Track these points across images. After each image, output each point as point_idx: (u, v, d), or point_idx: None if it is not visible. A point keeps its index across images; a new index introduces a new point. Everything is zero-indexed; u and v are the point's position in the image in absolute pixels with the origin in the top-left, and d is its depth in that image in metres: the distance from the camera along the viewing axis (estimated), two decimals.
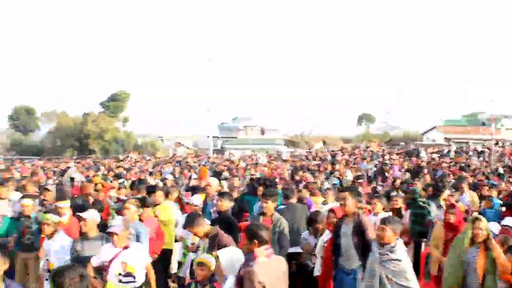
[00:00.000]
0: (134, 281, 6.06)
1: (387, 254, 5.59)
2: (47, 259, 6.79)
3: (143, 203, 8.15)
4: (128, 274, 6.04)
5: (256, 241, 4.92)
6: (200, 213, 7.73)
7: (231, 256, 5.02)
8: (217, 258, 5.02)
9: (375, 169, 21.83)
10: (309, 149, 45.55)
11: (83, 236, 6.82)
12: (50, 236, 6.86)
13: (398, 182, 14.09)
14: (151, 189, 10.01)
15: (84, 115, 63.55)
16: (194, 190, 12.55)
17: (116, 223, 6.18)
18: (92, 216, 6.77)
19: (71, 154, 52.75)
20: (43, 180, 14.41)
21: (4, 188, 9.74)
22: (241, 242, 5.47)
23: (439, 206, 9.58)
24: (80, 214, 6.86)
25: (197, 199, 8.78)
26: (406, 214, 9.53)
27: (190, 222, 6.22)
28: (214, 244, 5.89)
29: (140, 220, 7.78)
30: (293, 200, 9.05)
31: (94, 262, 6.23)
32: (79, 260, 6.45)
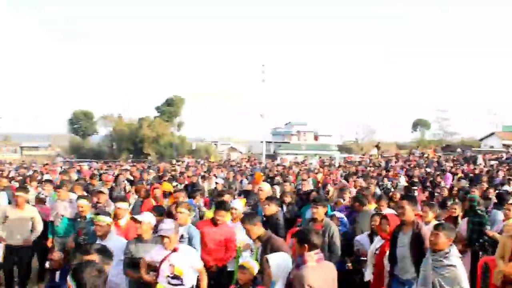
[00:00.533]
0: (182, 284, 6.05)
1: (441, 260, 5.46)
2: None
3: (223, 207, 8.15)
4: (175, 277, 6.06)
5: (306, 245, 4.90)
6: None
7: (280, 261, 4.99)
8: (266, 262, 4.97)
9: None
10: (363, 155, 44.91)
11: (138, 238, 6.92)
12: (103, 237, 6.96)
13: (455, 189, 13.68)
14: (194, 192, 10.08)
15: (139, 119, 64.82)
16: (246, 194, 12.55)
17: (167, 226, 6.20)
18: (148, 219, 6.84)
19: (127, 157, 53.81)
20: (97, 183, 14.68)
21: (63, 190, 10.00)
22: (292, 247, 5.40)
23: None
24: (136, 216, 6.95)
25: (238, 203, 8.52)
26: (463, 222, 9.21)
27: (247, 218, 6.27)
28: (267, 249, 5.85)
29: (215, 224, 7.80)
30: (367, 207, 8.99)
31: (148, 257, 6.31)
32: (133, 262, 6.56)
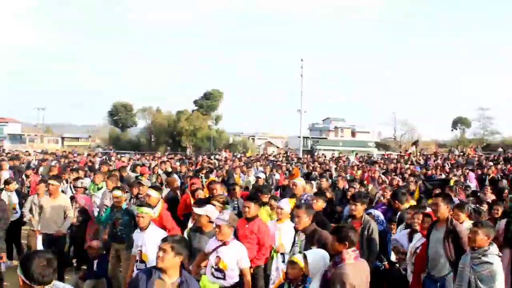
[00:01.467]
0: (224, 279, 6.05)
1: (479, 258, 5.47)
2: (139, 250, 6.97)
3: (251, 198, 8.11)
4: (219, 269, 6.08)
5: (345, 243, 4.91)
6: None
7: (318, 258, 4.96)
8: (304, 258, 4.95)
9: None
10: (401, 152, 44.35)
11: (197, 229, 7.02)
12: (144, 228, 7.03)
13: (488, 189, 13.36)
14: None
15: (177, 112, 65.34)
16: (283, 189, 12.54)
17: (222, 216, 6.21)
18: (207, 212, 6.90)
19: (164, 150, 54.36)
20: (126, 174, 14.90)
21: (110, 180, 10.19)
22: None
23: None
24: (196, 209, 7.02)
25: (286, 203, 7.93)
26: (501, 223, 8.99)
27: (303, 206, 6.38)
28: (313, 241, 5.89)
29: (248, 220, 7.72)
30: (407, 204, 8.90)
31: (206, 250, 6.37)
32: (190, 252, 6.69)
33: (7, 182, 11.42)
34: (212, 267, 6.10)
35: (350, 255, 4.91)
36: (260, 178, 14.20)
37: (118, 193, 8.77)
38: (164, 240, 4.61)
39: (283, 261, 7.22)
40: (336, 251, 4.98)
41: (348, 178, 15.87)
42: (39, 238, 9.50)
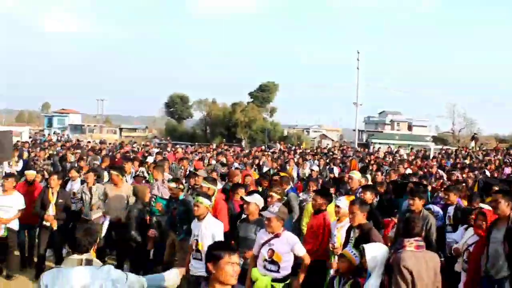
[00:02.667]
0: (278, 271, 6.03)
1: None
2: (195, 239, 7.04)
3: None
4: (272, 262, 6.07)
5: (408, 231, 4.99)
6: None
7: (377, 251, 4.91)
8: (363, 251, 4.90)
9: None
10: (460, 147, 43.16)
11: (245, 218, 7.09)
12: (200, 217, 7.10)
13: None
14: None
15: (233, 104, 65.65)
16: (338, 183, 12.41)
17: (272, 209, 6.21)
18: (255, 200, 6.93)
19: (220, 141, 54.78)
20: (187, 165, 15.07)
21: (159, 170, 10.33)
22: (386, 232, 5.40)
23: None
24: (245, 197, 7.06)
25: (343, 201, 7.52)
26: None
27: (358, 203, 6.34)
28: (366, 239, 5.77)
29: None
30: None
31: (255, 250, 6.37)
32: (236, 241, 6.87)
33: (70, 172, 11.74)
34: (265, 259, 6.10)
35: (412, 243, 4.93)
36: (314, 171, 14.12)
37: (172, 185, 8.89)
38: None
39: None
40: (398, 240, 5.08)
41: (405, 172, 15.57)
42: (106, 222, 9.73)
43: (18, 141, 32.34)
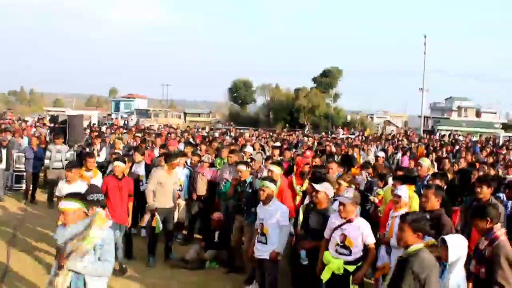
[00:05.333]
0: (349, 255, 6.10)
1: None
2: (261, 223, 7.15)
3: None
4: (344, 246, 6.12)
5: (487, 219, 4.96)
6: None
7: (458, 242, 4.78)
8: (443, 243, 4.77)
9: None
10: None
11: (313, 207, 7.09)
12: (266, 201, 7.19)
13: None
14: None
15: (296, 90, 65.41)
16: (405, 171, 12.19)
17: (347, 194, 6.25)
18: (325, 188, 6.95)
19: (283, 126, 54.74)
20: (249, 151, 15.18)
21: (234, 155, 10.46)
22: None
23: None
24: (315, 185, 7.01)
25: (404, 190, 7.29)
26: None
27: (433, 187, 6.34)
28: (437, 226, 5.71)
29: None
30: None
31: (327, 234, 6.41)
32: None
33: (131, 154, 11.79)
34: (337, 244, 6.15)
35: (502, 231, 4.90)
36: (379, 157, 13.92)
37: (242, 167, 9.00)
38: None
39: (388, 253, 6.97)
40: (481, 229, 4.98)
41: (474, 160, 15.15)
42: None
43: (94, 124, 33.43)
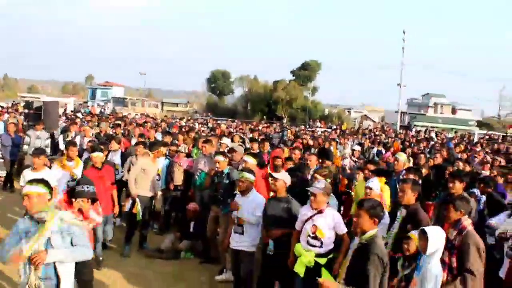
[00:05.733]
0: (321, 247, 6.13)
1: None
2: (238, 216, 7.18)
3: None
4: (315, 238, 6.15)
5: (461, 211, 5.31)
6: None
7: (438, 235, 4.86)
8: (423, 234, 4.87)
9: None
10: (507, 133, 42.22)
11: (272, 196, 7.18)
12: (244, 193, 7.22)
13: None
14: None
15: (274, 82, 65.53)
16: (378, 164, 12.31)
17: (318, 185, 6.26)
18: (283, 177, 6.96)
19: (260, 118, 54.85)
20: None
21: (208, 145, 10.44)
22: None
23: None
24: (274, 174, 7.07)
25: (375, 183, 7.57)
26: None
27: (410, 182, 6.30)
28: (414, 220, 5.82)
29: None
30: None
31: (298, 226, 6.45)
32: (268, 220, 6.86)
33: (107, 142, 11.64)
34: (309, 235, 6.18)
35: (468, 221, 5.20)
36: (356, 150, 14.05)
37: (219, 158, 8.98)
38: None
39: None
40: (453, 220, 5.27)
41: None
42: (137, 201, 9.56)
43: (71, 111, 32.95)
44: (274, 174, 7.02)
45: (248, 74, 70.65)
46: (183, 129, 19.28)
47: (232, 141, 13.85)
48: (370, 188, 7.32)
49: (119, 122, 20.91)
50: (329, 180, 7.28)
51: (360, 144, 18.14)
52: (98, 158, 8.93)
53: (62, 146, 13.84)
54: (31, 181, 4.67)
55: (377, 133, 29.90)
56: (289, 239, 6.56)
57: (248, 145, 13.77)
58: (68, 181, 8.82)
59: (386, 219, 6.41)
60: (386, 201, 7.87)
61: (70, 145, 9.85)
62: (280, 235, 6.70)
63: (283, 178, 6.94)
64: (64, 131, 16.12)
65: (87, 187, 6.48)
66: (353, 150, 14.28)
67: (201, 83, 77.99)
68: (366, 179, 8.49)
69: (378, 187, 7.43)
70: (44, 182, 4.65)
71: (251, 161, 8.63)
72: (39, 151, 9.00)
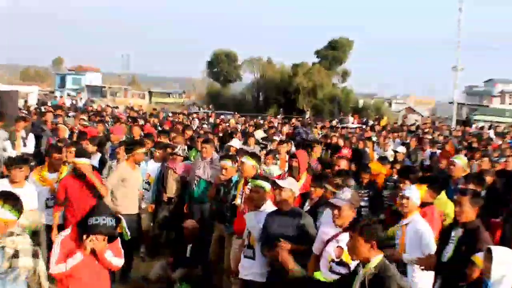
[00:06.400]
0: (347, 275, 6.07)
1: None
2: (249, 232, 7.13)
3: None
4: (341, 263, 6.10)
5: None
6: None
7: (505, 255, 4.83)
8: (488, 253, 4.85)
9: None
10: None
11: (276, 210, 7.11)
12: (258, 206, 7.16)
13: None
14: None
15: (294, 65, 65.24)
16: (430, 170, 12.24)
17: (343, 195, 6.23)
18: (291, 185, 6.95)
19: (275, 111, 54.67)
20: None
21: (209, 145, 10.43)
22: None
23: None
24: (279, 181, 7.03)
25: (414, 191, 7.26)
26: None
27: (469, 193, 6.25)
28: (472, 241, 5.79)
29: None
30: None
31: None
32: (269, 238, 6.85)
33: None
34: (332, 260, 6.14)
35: None
36: (399, 152, 13.96)
37: (226, 163, 8.93)
38: None
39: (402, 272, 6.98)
40: None
41: None
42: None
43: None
44: (279, 182, 6.97)
45: (259, 56, 70.40)
46: (175, 126, 19.14)
47: (246, 143, 13.84)
48: (407, 198, 7.07)
49: (106, 117, 20.92)
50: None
51: (405, 144, 18.01)
52: (85, 166, 8.67)
53: (9, 151, 13.09)
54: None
55: (426, 130, 29.69)
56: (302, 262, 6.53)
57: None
58: (47, 199, 8.83)
59: None
60: (450, 217, 7.80)
61: (53, 151, 9.49)
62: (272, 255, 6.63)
63: (290, 186, 6.89)
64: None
65: (104, 219, 5.53)
66: (395, 152, 14.16)
67: (200, 67, 77.91)
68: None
69: (418, 196, 7.20)
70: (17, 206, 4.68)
71: (250, 163, 8.56)
72: (20, 160, 8.59)
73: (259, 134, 15.21)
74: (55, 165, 9.20)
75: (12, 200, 4.69)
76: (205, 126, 24.75)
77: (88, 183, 8.67)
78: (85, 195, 8.43)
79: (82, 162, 8.65)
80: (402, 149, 14.44)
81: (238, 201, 8.47)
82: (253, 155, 9.09)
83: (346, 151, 12.80)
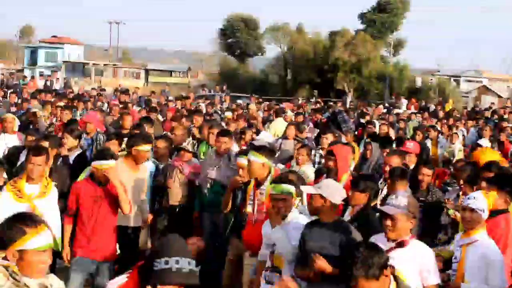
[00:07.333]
0: None
1: None
2: (271, 251, 7.17)
3: None
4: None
5: None
6: None
7: None
8: None
9: None
10: None
11: (315, 221, 7.19)
12: (282, 217, 7.20)
13: None
14: None
15: (331, 34, 65.01)
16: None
17: (398, 201, 6.16)
18: (330, 192, 7.01)
19: (307, 94, 54.60)
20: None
21: (226, 139, 10.50)
22: None
23: None
24: (303, 187, 7.19)
25: (480, 199, 7.00)
26: None
27: None
28: None
29: None
30: None
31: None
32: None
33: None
34: None
35: None
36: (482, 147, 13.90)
37: (242, 161, 8.92)
38: None
39: None
40: None
41: None
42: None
43: None
44: (305, 189, 7.10)
45: (287, 22, 70.21)
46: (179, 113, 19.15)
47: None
48: (471, 210, 6.79)
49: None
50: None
51: (479, 133, 17.90)
52: (111, 169, 8.31)
53: None
54: None
55: (505, 116, 29.51)
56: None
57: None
58: None
59: None
60: None
61: (35, 153, 8.52)
62: (306, 277, 6.58)
63: (328, 194, 6.65)
64: None
65: (177, 261, 4.06)
66: (477, 145, 14.03)
67: (209, 38, 77.80)
68: None
69: (486, 207, 6.87)
70: None
71: (258, 160, 8.39)
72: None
73: (279, 124, 15.14)
74: (33, 173, 8.35)
75: None
76: (216, 114, 24.27)
77: (109, 192, 8.37)
78: (100, 208, 8.28)
79: (104, 164, 8.29)
80: (485, 143, 14.31)
81: (248, 208, 8.39)
82: (262, 150, 8.78)
83: (411, 145, 12.57)
